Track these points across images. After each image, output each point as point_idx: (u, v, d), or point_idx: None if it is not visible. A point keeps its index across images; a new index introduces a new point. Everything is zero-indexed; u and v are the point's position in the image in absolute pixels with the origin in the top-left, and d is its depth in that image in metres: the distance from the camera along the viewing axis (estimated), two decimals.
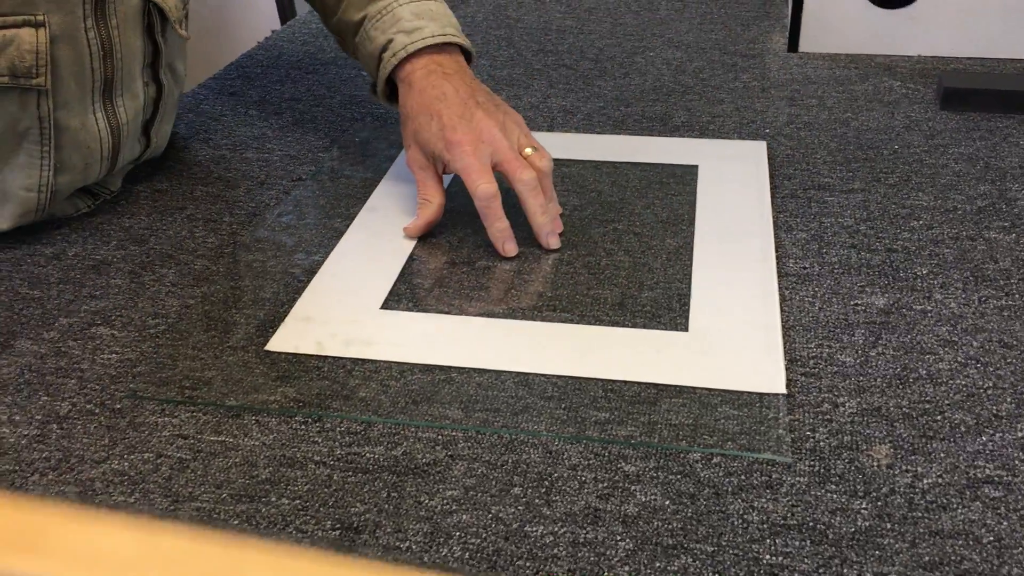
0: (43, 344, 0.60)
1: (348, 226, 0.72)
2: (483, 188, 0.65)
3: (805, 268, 0.65)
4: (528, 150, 0.68)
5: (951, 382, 0.54)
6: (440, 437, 0.51)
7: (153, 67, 0.77)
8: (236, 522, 0.46)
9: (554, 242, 0.67)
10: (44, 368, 0.58)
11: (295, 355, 0.58)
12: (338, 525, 0.46)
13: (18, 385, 0.56)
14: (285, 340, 0.59)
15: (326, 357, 0.57)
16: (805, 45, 1.02)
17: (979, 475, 0.47)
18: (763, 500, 0.46)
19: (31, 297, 0.64)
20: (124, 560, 0.23)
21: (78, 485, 0.49)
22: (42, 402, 0.55)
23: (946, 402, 0.52)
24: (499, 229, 0.66)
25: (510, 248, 0.67)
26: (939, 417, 0.51)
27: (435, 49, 0.71)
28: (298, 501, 0.47)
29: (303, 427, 0.52)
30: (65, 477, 0.49)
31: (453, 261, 0.67)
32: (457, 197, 0.71)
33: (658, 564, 0.43)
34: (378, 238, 0.70)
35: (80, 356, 0.58)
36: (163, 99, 0.79)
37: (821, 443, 0.50)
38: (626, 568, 0.43)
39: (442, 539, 0.45)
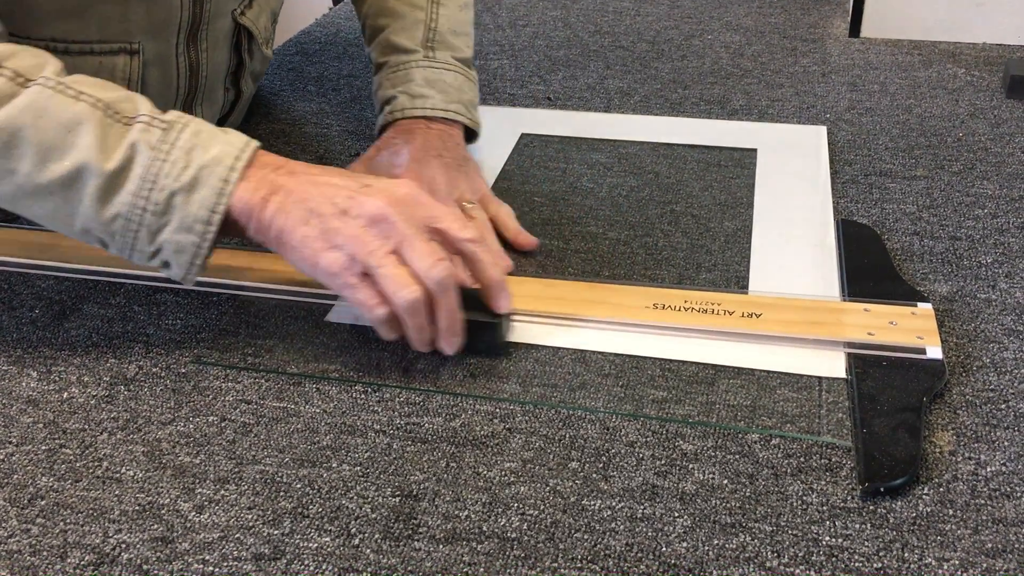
0: (110, 308, 0.61)
1: None
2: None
3: None
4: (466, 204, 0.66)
5: (1016, 371, 0.53)
6: (498, 410, 0.52)
7: (235, 75, 0.79)
8: (299, 485, 0.47)
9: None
10: (111, 332, 0.59)
11: (354, 326, 0.58)
12: (398, 492, 0.47)
13: (86, 347, 0.58)
14: (344, 311, 0.60)
15: None
16: (867, 30, 1.01)
17: None
18: (823, 482, 0.46)
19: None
20: None
21: (145, 445, 0.50)
22: (109, 364, 0.56)
23: (1010, 391, 0.52)
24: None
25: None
26: (1003, 406, 0.51)
27: (433, 120, 0.70)
28: (359, 467, 0.48)
29: (363, 396, 0.53)
30: (133, 437, 0.51)
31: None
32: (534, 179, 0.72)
33: (716, 541, 0.43)
34: None
35: (146, 321, 0.60)
36: (240, 101, 0.81)
37: None
38: (684, 544, 0.43)
39: (500, 509, 0.45)
